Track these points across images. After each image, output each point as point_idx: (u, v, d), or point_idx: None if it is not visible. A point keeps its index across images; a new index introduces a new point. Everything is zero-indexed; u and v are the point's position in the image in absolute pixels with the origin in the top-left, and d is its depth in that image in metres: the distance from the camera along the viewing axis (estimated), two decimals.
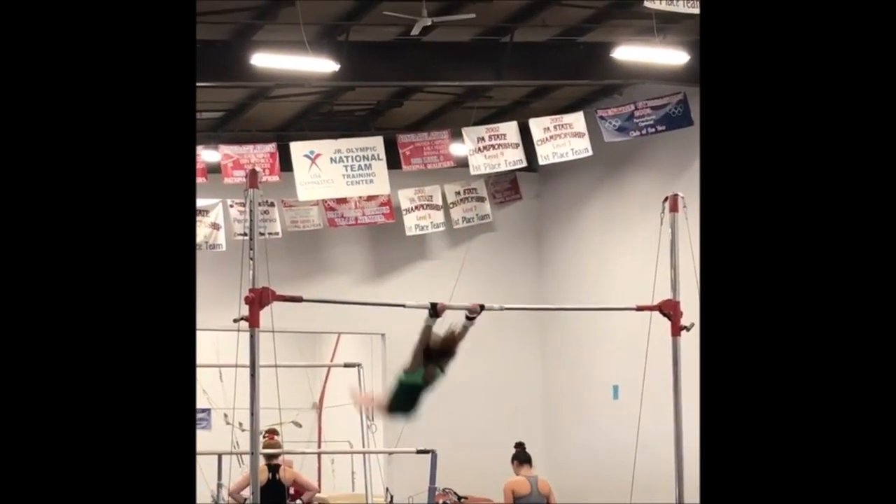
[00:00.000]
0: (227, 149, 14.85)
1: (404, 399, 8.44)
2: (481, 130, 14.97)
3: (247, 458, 11.85)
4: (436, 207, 16.35)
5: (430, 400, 14.96)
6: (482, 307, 8.56)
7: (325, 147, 14.79)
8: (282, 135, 15.87)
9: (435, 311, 8.38)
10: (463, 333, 8.50)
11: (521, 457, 11.60)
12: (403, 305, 8.83)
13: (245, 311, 7.86)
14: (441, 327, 8.55)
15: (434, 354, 8.32)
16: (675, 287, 8.99)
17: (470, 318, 8.53)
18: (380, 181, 14.86)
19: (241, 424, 13.36)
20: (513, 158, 14.93)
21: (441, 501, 13.40)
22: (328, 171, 14.72)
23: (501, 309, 9.03)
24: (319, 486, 15.70)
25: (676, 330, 8.93)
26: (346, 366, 14.79)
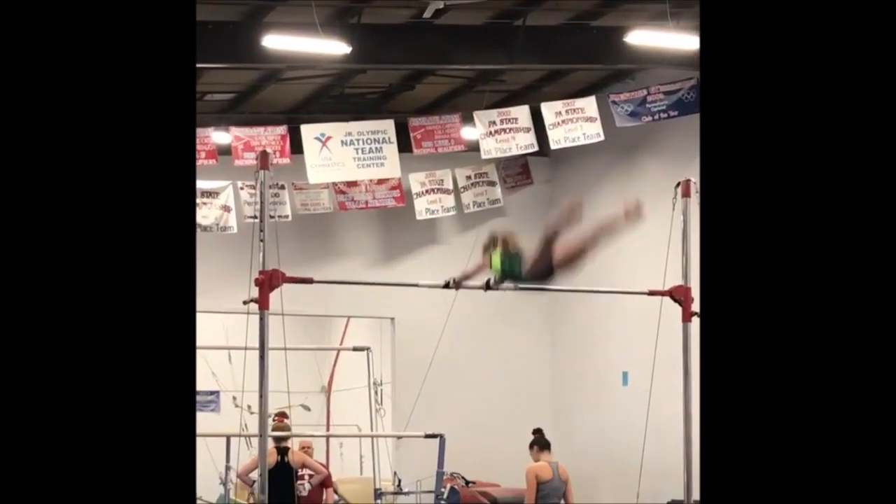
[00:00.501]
0: (237, 131, 14.82)
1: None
2: (493, 114, 14.93)
3: (255, 441, 11.83)
4: (446, 191, 16.30)
5: (440, 384, 14.98)
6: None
7: (336, 130, 14.76)
8: (293, 117, 15.84)
9: (454, 283, 8.38)
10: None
11: (542, 442, 11.54)
12: (416, 285, 8.82)
13: (255, 293, 7.85)
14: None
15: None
16: (686, 272, 8.96)
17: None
18: (390, 164, 14.83)
19: (249, 407, 13.34)
20: (524, 143, 14.90)
21: (449, 486, 13.39)
22: (339, 153, 14.69)
23: (516, 288, 9.00)
24: (328, 469, 15.69)
25: (687, 316, 8.90)
26: (355, 349, 14.79)
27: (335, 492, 14.21)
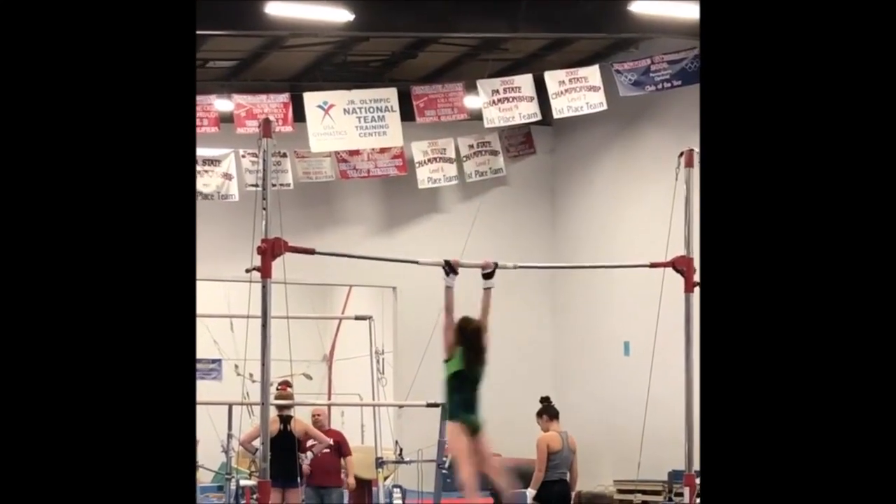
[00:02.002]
0: (240, 98, 14.78)
1: (460, 399, 8.33)
2: (496, 83, 14.88)
3: (257, 409, 11.82)
4: (449, 160, 16.27)
5: (442, 353, 14.89)
6: (496, 265, 8.48)
7: (339, 98, 14.72)
8: (295, 85, 15.78)
9: (450, 267, 8.29)
10: (486, 310, 8.38)
11: (551, 411, 11.43)
12: (416, 262, 8.78)
13: (257, 261, 7.83)
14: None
15: (467, 337, 8.21)
16: (688, 243, 8.93)
17: (487, 277, 8.44)
18: (393, 133, 14.79)
19: (251, 375, 13.34)
20: (527, 112, 14.86)
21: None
22: (341, 122, 14.66)
23: (515, 267, 8.97)
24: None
25: (689, 286, 8.87)
26: (357, 318, 14.76)
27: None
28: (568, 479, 11.31)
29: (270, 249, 7.80)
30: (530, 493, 11.16)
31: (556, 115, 14.77)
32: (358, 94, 14.77)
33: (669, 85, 14.39)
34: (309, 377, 18.43)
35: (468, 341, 8.14)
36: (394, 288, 17.19)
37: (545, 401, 11.61)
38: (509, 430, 15.31)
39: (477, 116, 15.08)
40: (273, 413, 11.28)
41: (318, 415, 12.93)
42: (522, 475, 11.56)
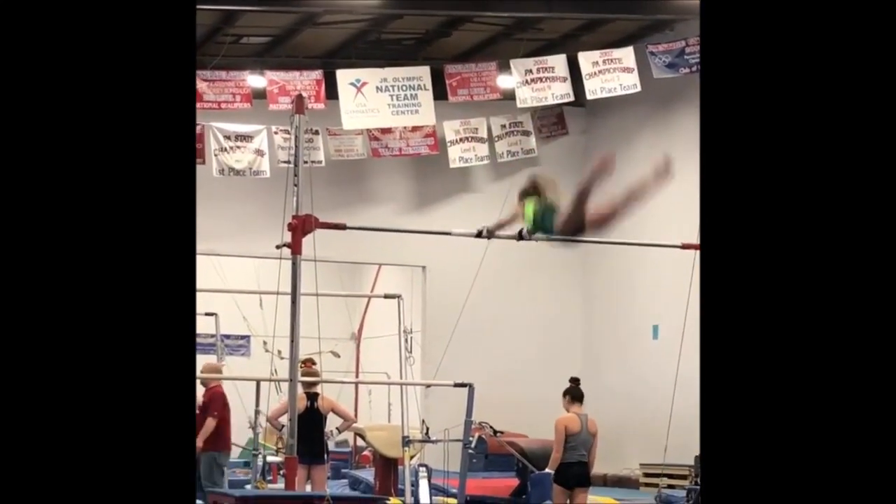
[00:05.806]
0: (273, 74, 14.78)
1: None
2: (529, 63, 14.83)
3: (285, 386, 11.85)
4: (480, 140, 16.24)
5: (470, 333, 14.89)
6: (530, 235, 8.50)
7: (372, 76, 14.70)
8: (328, 62, 15.77)
9: (487, 232, 8.33)
10: None
11: (575, 393, 11.38)
12: (449, 233, 8.77)
13: (288, 238, 7.83)
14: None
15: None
16: None
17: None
18: (425, 112, 14.77)
19: (279, 352, 13.38)
20: (560, 92, 14.82)
21: (477, 435, 13.39)
22: (374, 100, 14.65)
23: (549, 239, 8.96)
24: (356, 416, 15.75)
25: None
26: (386, 297, 14.79)
27: (363, 438, 14.26)
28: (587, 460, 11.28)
29: (301, 226, 7.80)
30: (549, 473, 11.14)
31: (589, 96, 14.72)
32: (391, 73, 14.75)
33: None
34: (337, 355, 18.48)
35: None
36: (423, 267, 17.19)
37: (574, 381, 11.58)
38: (536, 411, 15.33)
39: (510, 96, 15.04)
40: (300, 390, 11.30)
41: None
42: (546, 457, 11.55)
